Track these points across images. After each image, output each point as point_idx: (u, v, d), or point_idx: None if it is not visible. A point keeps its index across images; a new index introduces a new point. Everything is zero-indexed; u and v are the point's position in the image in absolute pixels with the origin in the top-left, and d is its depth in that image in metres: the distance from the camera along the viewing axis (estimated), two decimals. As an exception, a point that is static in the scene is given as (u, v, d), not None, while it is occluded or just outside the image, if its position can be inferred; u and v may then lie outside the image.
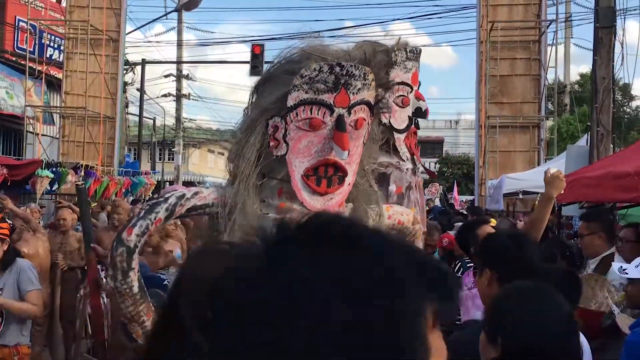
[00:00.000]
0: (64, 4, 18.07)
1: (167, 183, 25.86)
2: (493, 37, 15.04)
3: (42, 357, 7.03)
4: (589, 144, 8.21)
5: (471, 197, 20.16)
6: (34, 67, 17.49)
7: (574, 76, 31.03)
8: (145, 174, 18.83)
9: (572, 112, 27.96)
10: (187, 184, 21.47)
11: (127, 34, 18.45)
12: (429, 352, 0.77)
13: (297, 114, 3.14)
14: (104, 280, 4.33)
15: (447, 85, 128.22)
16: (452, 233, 6.13)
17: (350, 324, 0.75)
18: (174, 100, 28.98)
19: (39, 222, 9.15)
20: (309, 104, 3.13)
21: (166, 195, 3.29)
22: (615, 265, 4.01)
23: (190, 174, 35.32)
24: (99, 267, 5.35)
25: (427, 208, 21.03)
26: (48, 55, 19.87)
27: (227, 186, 3.33)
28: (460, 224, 8.30)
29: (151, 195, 14.30)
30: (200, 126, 41.62)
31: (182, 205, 3.25)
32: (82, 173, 13.99)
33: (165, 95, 29.70)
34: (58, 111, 18.03)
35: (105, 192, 14.31)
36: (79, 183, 13.63)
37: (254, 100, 3.43)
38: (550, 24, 15.41)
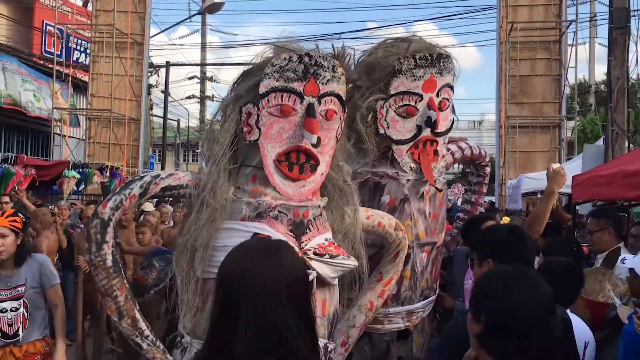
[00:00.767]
0: (90, 8, 18.38)
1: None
2: (513, 38, 15.07)
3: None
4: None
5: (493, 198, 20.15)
6: (61, 70, 17.82)
7: (599, 76, 30.70)
8: (170, 175, 19.09)
9: (596, 112, 27.74)
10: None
11: (151, 37, 18.72)
12: None
13: (268, 100, 3.28)
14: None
15: (471, 86, 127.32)
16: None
17: None
18: (198, 102, 29.32)
19: (67, 221, 9.41)
20: (280, 91, 3.27)
21: (142, 174, 3.45)
22: (621, 257, 4.13)
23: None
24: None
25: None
26: (75, 59, 20.26)
27: (202, 170, 3.45)
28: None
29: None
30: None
31: (157, 184, 3.36)
32: (108, 174, 14.24)
33: (189, 97, 30.04)
34: (84, 113, 18.34)
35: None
36: (104, 181, 13.95)
37: (229, 95, 3.57)
38: (570, 24, 15.39)
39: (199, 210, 3.28)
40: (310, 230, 3.34)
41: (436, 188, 4.38)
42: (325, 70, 3.33)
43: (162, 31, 51.25)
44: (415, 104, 4.17)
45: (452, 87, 4.35)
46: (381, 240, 3.98)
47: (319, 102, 3.33)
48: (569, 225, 7.72)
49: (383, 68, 4.18)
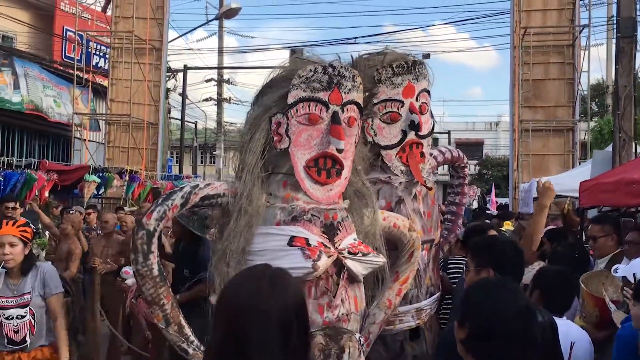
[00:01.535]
0: (110, 14, 18.67)
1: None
2: (526, 42, 15.17)
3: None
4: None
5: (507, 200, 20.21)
6: (81, 75, 18.13)
7: (616, 77, 30.54)
8: (187, 177, 19.30)
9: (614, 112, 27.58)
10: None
11: (169, 42, 18.97)
12: None
13: (296, 110, 3.50)
14: None
15: (489, 87, 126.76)
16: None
17: None
18: (215, 105, 29.53)
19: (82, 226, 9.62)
20: (307, 100, 3.49)
21: (182, 185, 3.57)
22: (613, 267, 4.28)
23: (231, 176, 35.69)
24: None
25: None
26: (94, 64, 20.55)
27: (236, 179, 3.61)
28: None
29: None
30: (242, 130, 42.00)
31: (196, 194, 3.50)
32: (127, 177, 14.41)
33: (206, 100, 30.26)
34: (104, 118, 18.62)
35: (148, 195, 14.72)
36: (122, 185, 14.14)
37: (252, 105, 3.78)
38: (582, 29, 15.45)
39: (237, 217, 3.43)
40: (341, 232, 3.54)
41: (426, 187, 4.59)
42: (347, 80, 3.55)
43: (180, 36, 51.74)
44: (398, 109, 4.42)
45: (429, 92, 4.61)
46: (395, 241, 4.13)
47: (342, 110, 3.56)
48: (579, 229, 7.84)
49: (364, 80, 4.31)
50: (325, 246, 3.40)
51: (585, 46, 15.46)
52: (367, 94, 4.01)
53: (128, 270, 6.24)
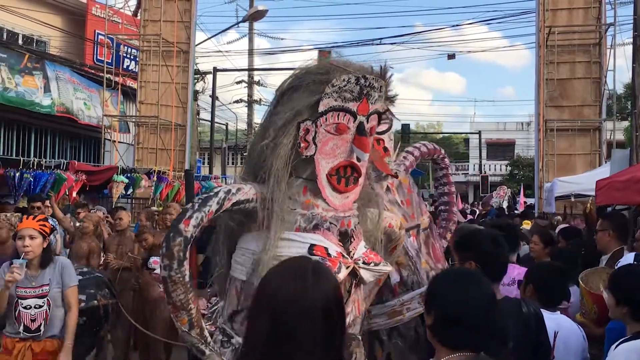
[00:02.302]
0: (139, 18, 18.99)
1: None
2: (552, 42, 15.09)
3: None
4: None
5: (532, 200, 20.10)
6: (111, 78, 18.46)
7: (648, 76, 30.05)
8: (215, 178, 19.49)
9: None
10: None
11: (197, 44, 19.21)
12: None
13: (326, 118, 3.50)
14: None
15: (521, 86, 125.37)
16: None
17: None
18: (246, 106, 29.79)
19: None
20: (337, 110, 3.49)
21: (215, 190, 3.53)
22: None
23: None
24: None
25: (484, 211, 21.04)
26: (125, 66, 20.91)
27: (262, 184, 3.59)
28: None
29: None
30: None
31: (229, 199, 3.47)
32: (155, 178, 14.57)
33: (237, 102, 30.54)
34: (133, 120, 18.93)
35: (176, 196, 14.91)
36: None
37: (277, 105, 3.74)
38: (608, 28, 15.30)
39: (266, 222, 3.46)
40: (354, 239, 3.60)
41: (393, 176, 4.64)
42: (375, 91, 3.58)
43: (208, 38, 52.16)
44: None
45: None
46: (385, 238, 4.19)
47: (367, 120, 3.59)
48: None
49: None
50: (344, 256, 3.45)
51: (611, 45, 15.31)
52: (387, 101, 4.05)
53: (156, 260, 6.31)
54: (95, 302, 5.98)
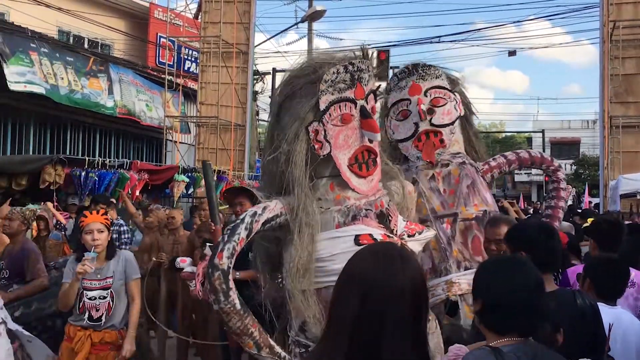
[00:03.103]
0: (199, 20, 19.27)
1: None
2: (616, 36, 14.67)
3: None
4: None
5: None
6: (173, 80, 18.81)
7: None
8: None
9: None
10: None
11: (256, 45, 19.39)
12: None
13: (330, 114, 3.60)
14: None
15: (586, 83, 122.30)
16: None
17: None
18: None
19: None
20: (337, 102, 3.61)
21: (241, 217, 3.57)
22: None
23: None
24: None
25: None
26: (185, 68, 21.27)
27: (287, 195, 3.65)
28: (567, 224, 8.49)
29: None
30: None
31: (257, 221, 3.53)
32: (215, 178, 14.79)
33: (295, 102, 30.60)
34: (194, 120, 19.17)
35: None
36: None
37: (278, 116, 3.84)
38: (676, 20, 14.77)
39: (299, 231, 3.48)
40: (392, 217, 3.69)
41: (431, 163, 5.09)
42: (365, 73, 3.70)
43: (268, 39, 52.56)
44: (407, 107, 5.20)
45: (446, 88, 5.23)
46: None
47: (366, 102, 3.70)
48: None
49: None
50: (389, 237, 3.52)
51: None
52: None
53: (184, 259, 6.43)
54: None
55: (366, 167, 3.68)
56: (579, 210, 15.92)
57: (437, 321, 3.89)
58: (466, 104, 5.51)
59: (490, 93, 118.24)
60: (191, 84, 20.13)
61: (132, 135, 19.25)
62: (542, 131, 41.57)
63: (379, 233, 3.50)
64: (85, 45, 19.96)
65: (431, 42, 22.40)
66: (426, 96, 5.16)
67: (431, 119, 5.15)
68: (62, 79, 15.52)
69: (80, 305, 4.96)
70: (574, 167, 41.65)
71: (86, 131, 17.60)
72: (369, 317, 1.81)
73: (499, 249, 3.87)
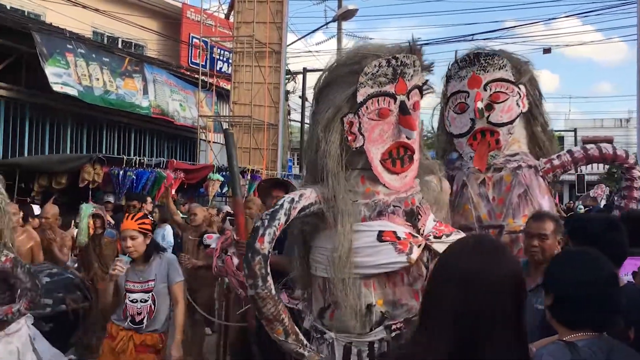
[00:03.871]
0: (232, 20, 19.36)
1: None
2: (654, 32, 14.43)
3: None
4: None
5: None
6: (206, 80, 18.93)
7: None
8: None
9: None
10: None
11: (288, 45, 19.41)
12: None
13: (367, 107, 3.54)
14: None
15: (619, 82, 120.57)
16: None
17: None
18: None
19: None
20: (376, 96, 3.54)
21: (280, 202, 3.58)
22: None
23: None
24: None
25: (591, 205, 20.33)
26: (218, 69, 21.39)
27: (321, 184, 3.63)
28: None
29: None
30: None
31: (295, 208, 3.55)
32: (249, 177, 14.69)
33: (325, 102, 30.56)
34: (227, 120, 19.24)
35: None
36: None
37: (317, 104, 3.83)
38: None
39: (340, 220, 3.47)
40: (422, 215, 3.60)
41: (480, 171, 4.76)
42: (409, 68, 3.59)
43: (299, 39, 52.57)
44: (465, 100, 4.85)
45: (509, 81, 4.81)
46: None
47: (408, 98, 3.60)
48: None
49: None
50: (414, 236, 3.47)
51: None
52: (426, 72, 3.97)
53: (210, 235, 6.50)
54: (64, 306, 5.68)
55: (401, 163, 3.61)
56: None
57: None
58: (533, 95, 5.07)
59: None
60: (223, 84, 20.23)
61: (166, 135, 19.39)
62: (575, 130, 41.04)
63: (403, 231, 3.46)
64: (120, 46, 20.15)
65: (464, 40, 22.19)
66: (486, 90, 4.80)
67: (489, 116, 4.83)
68: (98, 79, 15.68)
69: (124, 307, 4.96)
70: (606, 166, 41.07)
71: (121, 131, 17.78)
72: (471, 310, 1.78)
73: (542, 245, 3.75)
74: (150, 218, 5.39)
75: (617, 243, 3.15)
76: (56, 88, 14.21)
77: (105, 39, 20.02)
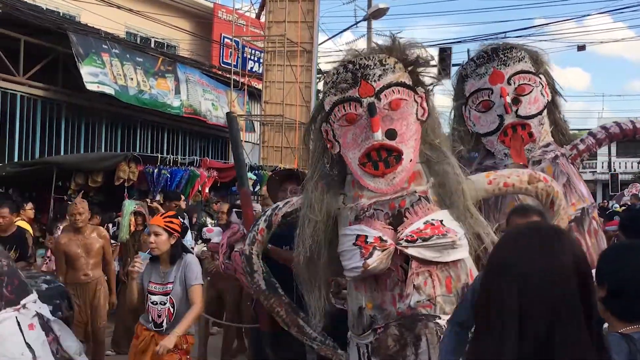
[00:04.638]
0: (263, 20, 19.44)
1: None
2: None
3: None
4: None
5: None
6: (237, 79, 19.04)
7: None
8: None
9: None
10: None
11: (319, 44, 19.43)
12: None
13: (334, 115, 3.61)
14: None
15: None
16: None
17: None
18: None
19: None
20: (340, 103, 3.59)
21: (265, 210, 3.98)
22: None
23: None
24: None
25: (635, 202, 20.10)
26: (249, 68, 21.50)
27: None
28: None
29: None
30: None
31: (276, 214, 3.89)
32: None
33: (355, 101, 30.51)
34: (258, 119, 19.32)
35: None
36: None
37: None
38: None
39: (302, 226, 3.66)
40: (408, 218, 3.51)
41: (524, 165, 4.55)
42: (372, 69, 3.55)
43: (329, 38, 52.61)
44: (488, 97, 4.72)
45: (531, 72, 4.74)
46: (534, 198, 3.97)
47: (378, 99, 3.55)
48: None
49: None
50: (382, 240, 3.39)
51: None
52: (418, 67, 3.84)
53: (211, 228, 6.29)
54: (60, 313, 5.49)
55: (385, 164, 3.55)
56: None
57: None
58: (551, 84, 5.02)
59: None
60: (255, 83, 20.32)
61: (198, 134, 19.54)
62: (608, 128, 40.47)
63: (373, 235, 3.42)
64: (152, 46, 20.35)
65: (497, 38, 22.00)
66: (510, 84, 4.70)
67: (517, 110, 4.73)
68: (132, 79, 15.87)
69: (147, 308, 4.90)
70: (640, 165, 40.52)
71: (155, 130, 17.95)
72: (534, 305, 1.72)
73: None
74: (180, 219, 5.23)
75: None
76: (92, 87, 14.40)
77: (139, 39, 20.22)
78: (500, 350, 1.72)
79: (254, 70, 21.92)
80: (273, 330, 4.53)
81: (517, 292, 1.74)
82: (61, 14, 17.05)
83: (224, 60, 21.85)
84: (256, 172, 14.13)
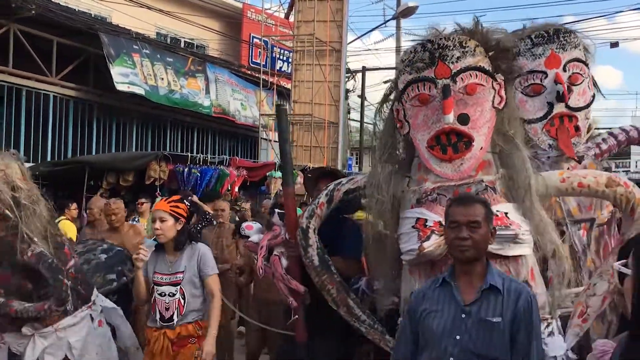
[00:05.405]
0: (291, 19, 19.46)
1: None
2: None
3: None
4: None
5: None
6: (266, 79, 19.07)
7: None
8: (365, 175, 19.57)
9: None
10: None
11: (348, 43, 19.40)
12: None
13: (407, 94, 3.51)
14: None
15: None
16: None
17: None
18: (394, 105, 29.56)
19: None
20: (414, 82, 3.47)
21: (328, 184, 3.90)
22: None
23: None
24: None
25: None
26: (278, 68, 21.55)
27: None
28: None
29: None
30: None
31: (339, 190, 3.85)
32: (310, 175, 14.90)
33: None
34: (288, 118, 19.32)
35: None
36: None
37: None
38: None
39: (369, 204, 3.65)
40: None
41: (576, 160, 4.28)
42: (452, 50, 3.41)
43: (358, 37, 52.48)
44: (541, 81, 4.29)
45: (583, 62, 4.37)
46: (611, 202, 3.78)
47: (454, 81, 3.40)
48: None
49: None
50: (442, 225, 3.20)
51: None
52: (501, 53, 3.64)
53: (250, 225, 5.83)
54: (125, 278, 5.46)
55: (453, 150, 3.42)
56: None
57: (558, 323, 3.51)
58: (593, 79, 4.66)
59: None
60: (284, 83, 20.36)
61: (227, 134, 19.63)
62: (642, 127, 39.81)
63: (433, 219, 3.32)
64: (182, 46, 20.49)
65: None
66: (565, 71, 4.30)
67: (568, 99, 4.36)
68: (162, 79, 15.99)
69: (152, 303, 4.59)
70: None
71: (185, 130, 18.07)
72: None
73: (473, 237, 2.88)
74: (186, 204, 4.86)
75: None
76: (122, 88, 14.55)
77: (169, 39, 20.37)
78: None
79: (282, 69, 21.97)
80: (310, 340, 4.28)
81: None
82: (92, 15, 17.24)
83: (253, 60, 21.92)
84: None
